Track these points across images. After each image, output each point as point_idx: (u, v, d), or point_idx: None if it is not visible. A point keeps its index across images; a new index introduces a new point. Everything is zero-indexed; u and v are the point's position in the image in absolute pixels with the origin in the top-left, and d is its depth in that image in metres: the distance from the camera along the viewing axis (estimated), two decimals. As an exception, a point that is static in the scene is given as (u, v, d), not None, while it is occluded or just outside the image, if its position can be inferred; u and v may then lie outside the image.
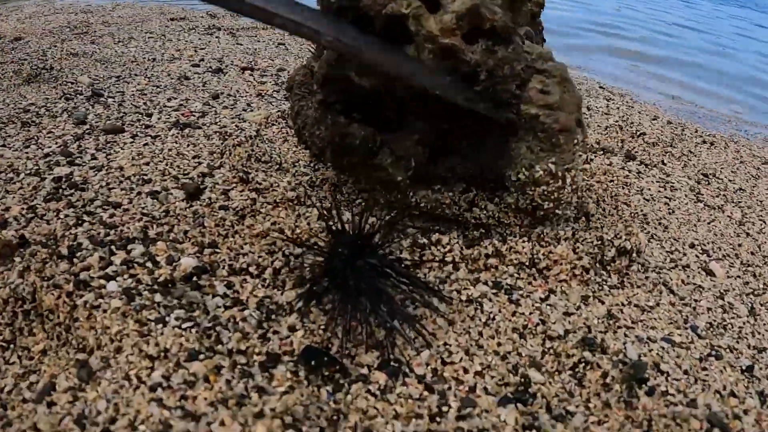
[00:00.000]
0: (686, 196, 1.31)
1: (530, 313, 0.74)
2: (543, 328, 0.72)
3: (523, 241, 0.84)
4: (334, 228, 0.72)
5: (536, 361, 0.68)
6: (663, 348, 0.74)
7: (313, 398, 0.59)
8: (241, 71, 1.68)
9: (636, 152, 1.50)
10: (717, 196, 1.36)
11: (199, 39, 1.97)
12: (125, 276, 0.69)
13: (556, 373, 0.67)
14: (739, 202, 1.37)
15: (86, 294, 0.65)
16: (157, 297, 0.66)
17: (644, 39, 3.21)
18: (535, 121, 0.83)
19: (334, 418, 0.58)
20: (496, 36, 0.78)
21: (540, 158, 0.83)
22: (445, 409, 0.59)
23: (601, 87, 2.24)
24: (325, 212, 0.86)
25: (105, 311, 0.63)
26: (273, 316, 0.68)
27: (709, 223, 1.20)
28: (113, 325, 0.62)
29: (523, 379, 0.65)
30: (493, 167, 0.87)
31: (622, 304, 0.81)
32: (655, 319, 0.80)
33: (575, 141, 0.85)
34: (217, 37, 2.03)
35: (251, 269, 0.74)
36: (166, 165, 0.98)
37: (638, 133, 1.64)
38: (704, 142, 1.77)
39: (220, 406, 0.56)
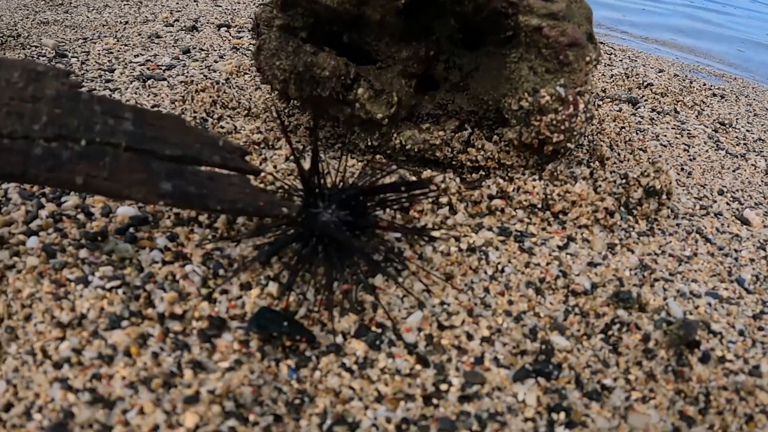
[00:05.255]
0: (705, 143, 1.18)
1: (547, 264, 0.60)
2: (564, 282, 0.58)
3: (534, 180, 0.69)
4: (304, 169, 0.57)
5: (559, 322, 0.54)
6: (710, 304, 0.61)
7: (268, 376, 0.44)
8: (217, 28, 1.57)
9: (646, 101, 1.37)
10: (737, 145, 1.23)
11: (177, 3, 1.85)
12: (50, 230, 0.60)
13: (585, 337, 0.53)
14: (761, 151, 1.24)
15: (0, 252, 0.56)
16: (83, 253, 0.57)
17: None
18: (537, 34, 0.70)
19: (296, 402, 0.43)
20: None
21: (546, 81, 0.70)
22: (444, 387, 0.46)
23: (600, 42, 2.10)
24: (295, 153, 0.71)
25: (19, 271, 0.54)
26: (222, 272, 0.54)
27: (734, 171, 1.07)
28: (25, 287, 0.52)
29: (543, 346, 0.51)
30: (490, 97, 0.73)
31: (656, 254, 0.67)
32: (695, 270, 0.66)
33: (587, 58, 0.71)
34: (195, 1, 1.90)
35: (201, 218, 0.61)
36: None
37: (645, 83, 1.52)
38: (714, 94, 1.66)
39: (141, 387, 0.43)
